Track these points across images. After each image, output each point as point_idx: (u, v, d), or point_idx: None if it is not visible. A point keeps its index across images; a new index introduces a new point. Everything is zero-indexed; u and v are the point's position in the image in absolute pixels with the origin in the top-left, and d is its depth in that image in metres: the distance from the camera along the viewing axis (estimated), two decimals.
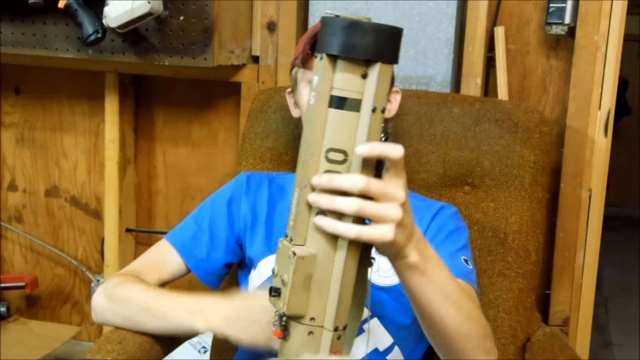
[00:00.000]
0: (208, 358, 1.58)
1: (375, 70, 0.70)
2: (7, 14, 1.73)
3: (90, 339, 2.15)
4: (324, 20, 0.72)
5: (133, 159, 2.01)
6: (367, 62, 0.71)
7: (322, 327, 0.74)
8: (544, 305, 1.68)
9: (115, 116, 1.92)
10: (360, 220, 0.73)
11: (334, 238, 0.73)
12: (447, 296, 0.86)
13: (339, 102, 0.71)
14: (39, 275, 2.15)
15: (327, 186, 0.71)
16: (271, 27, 1.78)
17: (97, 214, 2.09)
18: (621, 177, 4.73)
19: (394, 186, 0.73)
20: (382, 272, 1.10)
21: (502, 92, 1.67)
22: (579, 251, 1.65)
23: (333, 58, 0.71)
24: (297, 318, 0.74)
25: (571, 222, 1.65)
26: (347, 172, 0.72)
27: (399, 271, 0.82)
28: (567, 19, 1.61)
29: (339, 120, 0.71)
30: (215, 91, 1.93)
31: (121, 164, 1.95)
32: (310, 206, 0.72)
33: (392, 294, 1.09)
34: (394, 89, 1.21)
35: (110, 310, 1.12)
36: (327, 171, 0.72)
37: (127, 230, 2.01)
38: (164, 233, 2.04)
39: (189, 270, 1.20)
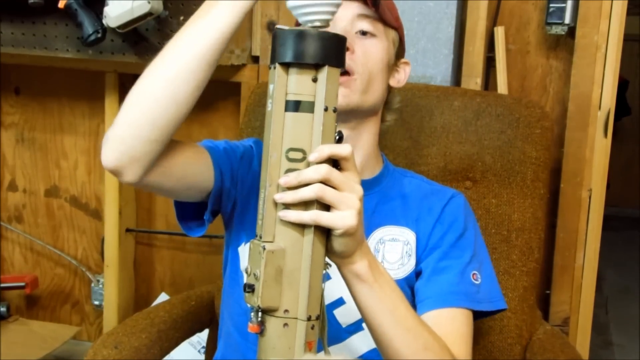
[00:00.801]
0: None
1: (323, 74, 0.78)
2: (7, 14, 1.72)
3: (90, 339, 2.15)
4: (275, 34, 0.79)
5: None
6: (316, 67, 0.78)
7: (295, 318, 0.78)
8: (544, 305, 1.68)
9: (115, 117, 1.92)
10: (325, 210, 0.79)
11: (300, 232, 0.78)
12: (400, 320, 0.87)
13: (294, 106, 0.78)
14: (39, 275, 2.15)
15: (295, 183, 0.77)
16: (271, 27, 1.77)
17: (97, 214, 2.09)
18: (621, 177, 4.73)
19: (352, 180, 0.79)
20: (386, 265, 1.06)
21: (502, 92, 1.67)
22: (579, 251, 1.65)
23: (286, 66, 0.78)
24: (272, 311, 0.78)
25: (571, 222, 1.64)
26: (306, 169, 0.78)
27: (347, 280, 0.85)
28: (567, 19, 1.61)
29: (295, 122, 0.78)
30: (215, 91, 1.92)
31: None
32: (276, 204, 0.78)
33: None
34: (403, 60, 1.15)
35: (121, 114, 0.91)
36: (289, 169, 0.78)
37: (127, 230, 2.01)
38: (164, 233, 2.06)
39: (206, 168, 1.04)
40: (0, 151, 2.13)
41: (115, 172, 0.90)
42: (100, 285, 2.04)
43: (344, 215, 0.78)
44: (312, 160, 0.77)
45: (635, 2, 2.41)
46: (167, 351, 1.29)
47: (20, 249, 2.17)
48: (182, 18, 1.63)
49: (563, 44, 1.68)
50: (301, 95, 0.78)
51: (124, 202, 1.98)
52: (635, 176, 4.92)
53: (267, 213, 0.79)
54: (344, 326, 1.05)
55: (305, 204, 0.78)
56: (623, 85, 4.46)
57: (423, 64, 1.63)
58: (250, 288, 0.78)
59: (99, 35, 1.57)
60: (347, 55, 0.95)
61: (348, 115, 1.04)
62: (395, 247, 1.07)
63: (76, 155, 2.09)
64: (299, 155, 0.78)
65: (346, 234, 0.79)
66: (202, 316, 1.45)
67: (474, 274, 1.06)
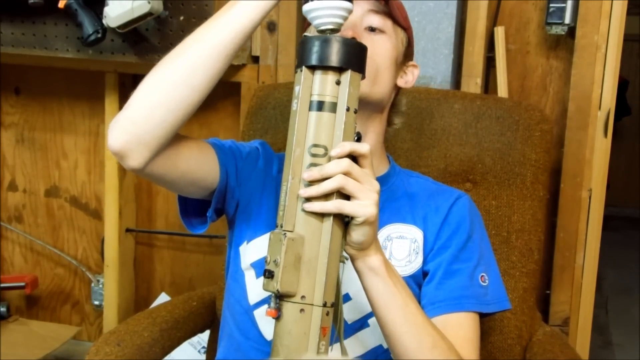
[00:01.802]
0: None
1: (346, 77, 0.84)
2: (7, 14, 1.73)
3: (90, 339, 2.15)
4: (303, 41, 0.86)
5: None
6: (340, 70, 0.85)
7: (312, 304, 0.82)
8: (544, 305, 1.68)
9: (115, 116, 1.92)
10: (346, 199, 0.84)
11: (320, 222, 0.84)
12: (410, 316, 0.89)
13: (318, 106, 0.85)
14: (39, 275, 2.15)
15: (318, 176, 0.82)
16: (271, 27, 1.78)
17: (97, 214, 2.09)
18: (621, 177, 4.73)
19: (370, 175, 0.85)
20: (394, 261, 1.07)
21: (502, 92, 1.67)
22: (579, 251, 1.65)
23: (311, 69, 0.85)
24: (289, 297, 0.82)
25: (571, 222, 1.65)
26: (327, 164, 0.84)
27: (361, 273, 0.89)
28: (567, 19, 1.61)
29: (319, 121, 0.84)
30: (215, 91, 1.91)
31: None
32: (298, 196, 0.84)
33: None
34: (411, 62, 1.16)
35: (130, 104, 0.92)
36: (311, 164, 0.84)
37: (127, 230, 2.01)
38: (164, 233, 2.06)
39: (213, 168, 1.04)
40: (0, 151, 2.13)
41: (122, 155, 0.91)
42: (100, 285, 2.04)
43: (365, 204, 0.83)
44: (334, 155, 0.83)
45: (635, 2, 2.41)
46: (169, 350, 1.30)
47: (20, 249, 2.18)
48: (182, 18, 1.63)
49: (563, 44, 1.68)
50: (325, 96, 0.84)
51: (124, 202, 1.98)
52: (635, 176, 4.91)
53: (289, 204, 0.84)
54: (349, 322, 1.06)
55: (326, 196, 0.83)
56: (623, 85, 4.46)
57: (423, 64, 1.63)
58: (269, 274, 0.82)
59: (99, 35, 1.57)
60: None
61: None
62: (402, 245, 1.09)
63: (76, 155, 2.09)
64: (321, 151, 0.84)
65: (366, 222, 0.83)
66: (204, 317, 1.45)
67: (482, 276, 1.07)
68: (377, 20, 1.06)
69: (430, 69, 1.64)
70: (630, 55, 4.64)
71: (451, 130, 1.39)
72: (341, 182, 0.82)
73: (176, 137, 0.94)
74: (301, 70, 0.85)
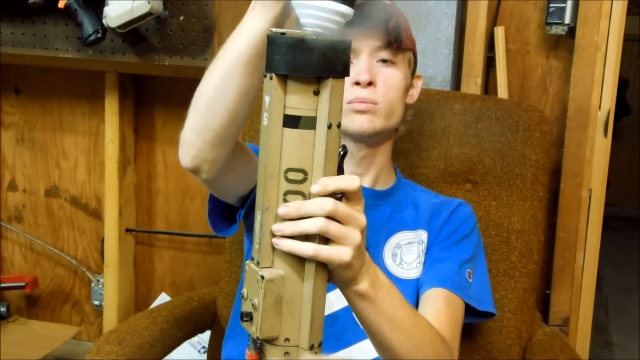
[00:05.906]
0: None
1: (327, 87, 0.70)
2: (7, 14, 1.73)
3: (90, 339, 2.15)
4: (269, 39, 0.71)
5: (133, 159, 2.01)
6: (318, 79, 0.70)
7: (297, 346, 0.74)
8: (544, 305, 1.68)
9: (115, 116, 1.92)
10: (323, 241, 0.73)
11: (301, 257, 0.73)
12: (398, 324, 0.88)
13: (293, 122, 0.71)
14: (39, 275, 2.15)
15: (295, 215, 0.72)
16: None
17: (97, 214, 2.09)
18: (621, 177, 4.73)
19: (356, 211, 0.75)
20: (405, 265, 1.13)
21: (502, 92, 1.67)
22: (579, 251, 1.65)
23: (283, 77, 0.70)
24: (272, 340, 0.73)
25: (571, 222, 1.65)
26: (307, 191, 0.72)
27: (349, 299, 0.84)
28: (567, 19, 1.61)
29: (295, 140, 0.71)
30: None
31: (121, 164, 1.95)
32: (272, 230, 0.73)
33: (406, 287, 1.10)
34: (416, 74, 1.21)
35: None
36: (288, 191, 0.72)
37: (127, 230, 2.01)
38: (164, 233, 2.06)
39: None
40: (0, 151, 2.13)
41: (194, 172, 0.95)
42: (100, 285, 2.04)
43: (341, 251, 0.74)
44: (314, 192, 0.72)
45: (635, 2, 2.41)
46: (169, 350, 1.31)
47: (20, 249, 2.18)
48: (182, 18, 1.63)
49: (563, 43, 1.68)
50: (301, 110, 0.71)
51: (123, 202, 1.98)
52: (635, 176, 4.91)
53: (264, 238, 0.73)
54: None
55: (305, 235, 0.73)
56: (623, 85, 4.46)
57: (423, 64, 1.63)
58: (248, 317, 0.73)
59: (99, 35, 1.57)
60: (370, 88, 1.05)
61: (372, 137, 1.11)
62: (411, 249, 1.14)
63: (76, 155, 2.09)
64: (299, 176, 0.72)
65: (340, 267, 0.76)
66: (204, 317, 1.46)
67: (468, 272, 1.12)
68: (387, 54, 1.11)
69: (430, 69, 1.64)
70: (630, 55, 4.63)
71: (451, 131, 1.39)
72: (322, 227, 0.71)
73: (237, 145, 0.96)
74: (270, 78, 0.70)
